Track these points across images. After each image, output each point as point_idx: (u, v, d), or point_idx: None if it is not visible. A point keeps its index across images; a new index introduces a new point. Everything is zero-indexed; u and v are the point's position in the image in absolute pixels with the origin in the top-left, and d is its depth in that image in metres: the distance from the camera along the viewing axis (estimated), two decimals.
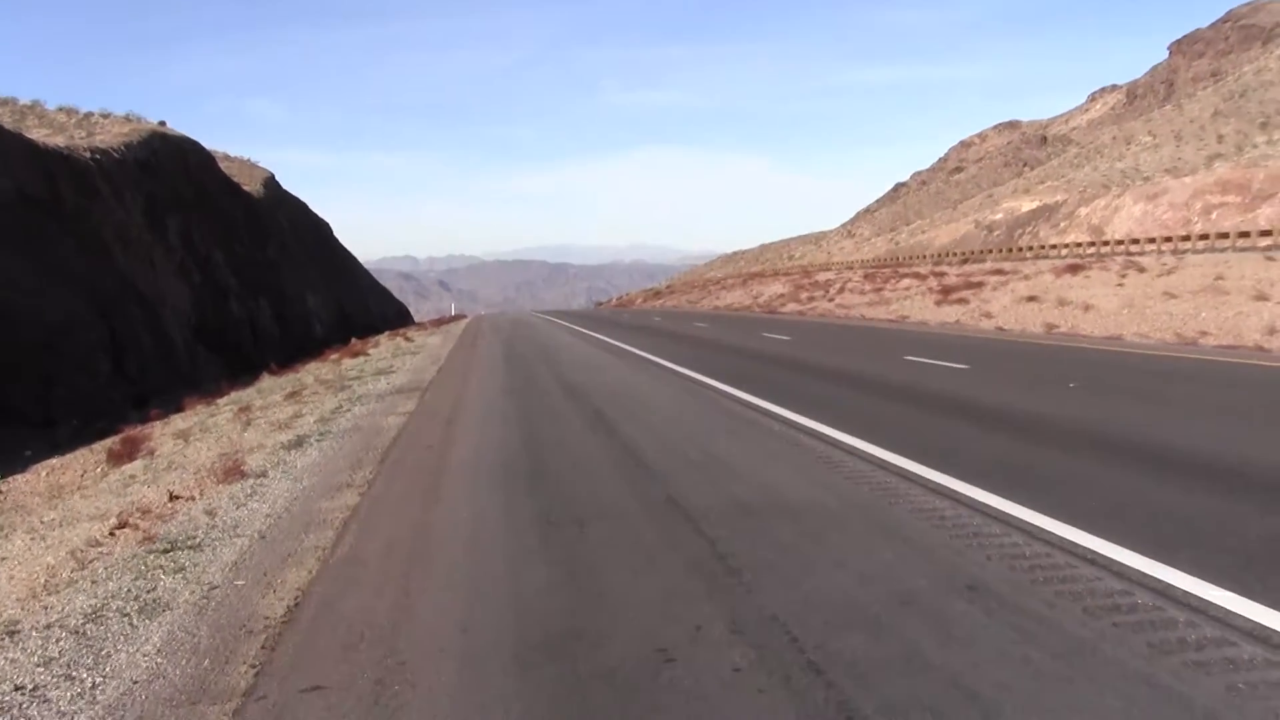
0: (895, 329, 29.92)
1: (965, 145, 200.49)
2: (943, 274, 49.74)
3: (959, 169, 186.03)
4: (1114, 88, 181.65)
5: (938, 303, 37.84)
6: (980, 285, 39.31)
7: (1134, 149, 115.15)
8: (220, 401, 23.94)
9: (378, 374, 22.32)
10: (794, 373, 17.25)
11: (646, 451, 9.72)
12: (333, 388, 19.75)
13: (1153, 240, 45.75)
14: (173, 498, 10.01)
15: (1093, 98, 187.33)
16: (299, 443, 12.31)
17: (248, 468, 10.79)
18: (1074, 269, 37.98)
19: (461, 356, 26.25)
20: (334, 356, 34.29)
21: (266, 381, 26.65)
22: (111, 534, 8.68)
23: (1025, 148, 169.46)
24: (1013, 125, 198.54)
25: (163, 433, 17.57)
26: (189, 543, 7.47)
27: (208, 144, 69.13)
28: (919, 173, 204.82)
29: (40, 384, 30.01)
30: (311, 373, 25.84)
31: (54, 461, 18.63)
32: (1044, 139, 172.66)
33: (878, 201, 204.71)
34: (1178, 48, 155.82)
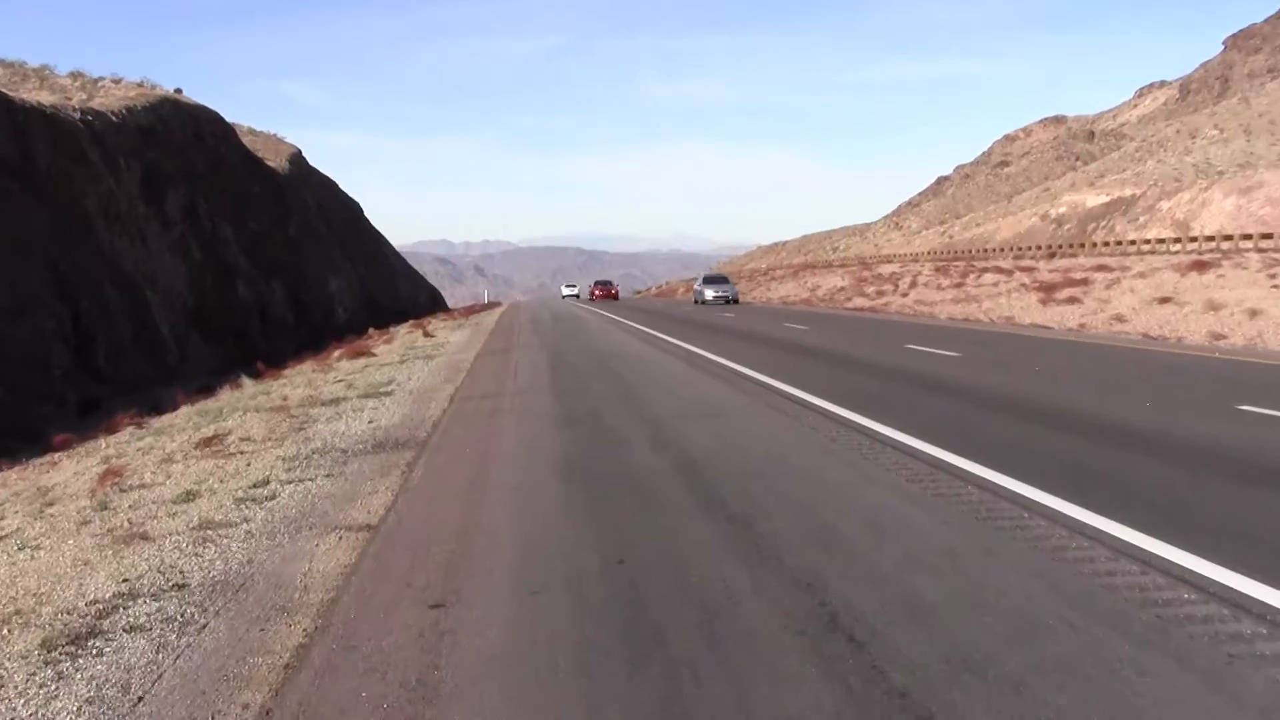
0: (1089, 342, 22.23)
1: (1010, 139, 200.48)
2: (1031, 269, 45.56)
3: (1004, 163, 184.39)
4: (1163, 83, 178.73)
5: (1042, 302, 33.21)
6: (1086, 283, 34.73)
7: (1200, 143, 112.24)
8: (155, 424, 17.07)
9: (366, 396, 15.22)
10: (1084, 440, 9.68)
11: None
12: (289, 422, 12.69)
13: (1267, 236, 42.09)
14: None
15: (1140, 93, 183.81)
16: (88, 638, 5.21)
17: None
18: (1200, 266, 32.89)
19: (491, 370, 19.01)
20: (336, 353, 27.48)
21: (230, 395, 19.74)
22: None
23: (1073, 142, 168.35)
24: (1058, 120, 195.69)
25: None
26: None
27: (235, 119, 63.21)
28: (961, 166, 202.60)
29: None
30: (285, 385, 18.83)
31: None
32: (1091, 134, 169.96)
33: (920, 195, 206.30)
34: (1233, 43, 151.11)
